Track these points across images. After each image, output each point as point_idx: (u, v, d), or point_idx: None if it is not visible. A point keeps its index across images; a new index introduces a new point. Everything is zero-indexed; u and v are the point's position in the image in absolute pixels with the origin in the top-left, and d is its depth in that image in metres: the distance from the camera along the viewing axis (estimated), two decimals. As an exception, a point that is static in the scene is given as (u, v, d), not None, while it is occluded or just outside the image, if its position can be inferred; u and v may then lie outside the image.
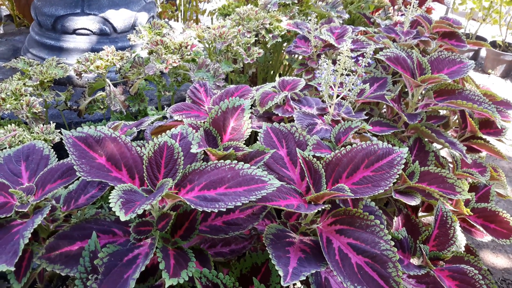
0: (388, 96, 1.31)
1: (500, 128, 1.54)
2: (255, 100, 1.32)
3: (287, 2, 1.68)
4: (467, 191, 1.44)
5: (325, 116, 1.20)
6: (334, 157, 1.04)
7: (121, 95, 1.45)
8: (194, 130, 1.05)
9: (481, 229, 1.33)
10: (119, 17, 1.96)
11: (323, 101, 1.27)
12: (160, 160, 0.93)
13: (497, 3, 4.08)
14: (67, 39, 1.95)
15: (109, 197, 0.81)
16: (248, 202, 0.83)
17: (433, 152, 1.36)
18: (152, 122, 1.37)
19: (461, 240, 1.32)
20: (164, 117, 1.35)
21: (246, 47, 1.57)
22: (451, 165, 1.48)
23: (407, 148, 1.04)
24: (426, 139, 1.39)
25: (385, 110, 1.56)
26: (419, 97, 1.39)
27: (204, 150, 1.07)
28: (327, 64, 1.16)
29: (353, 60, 1.13)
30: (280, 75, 2.14)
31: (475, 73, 4.26)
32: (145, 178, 0.91)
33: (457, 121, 1.67)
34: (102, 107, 1.54)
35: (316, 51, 1.47)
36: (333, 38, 1.45)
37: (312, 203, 0.99)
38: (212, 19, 2.71)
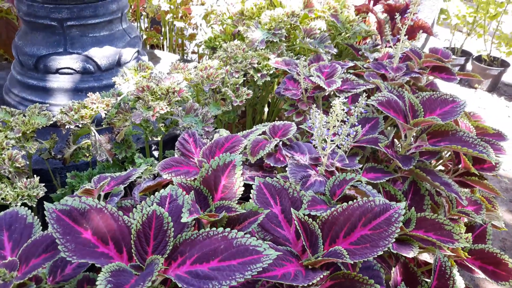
0: (381, 142, 1.29)
1: (494, 164, 1.52)
2: (246, 146, 1.29)
3: (275, 40, 1.65)
4: (464, 231, 1.42)
5: (318, 167, 1.17)
6: (331, 216, 1.00)
7: (107, 144, 1.41)
8: (185, 192, 1.01)
9: (480, 272, 1.31)
10: (103, 55, 1.92)
11: (315, 147, 1.24)
12: (149, 232, 0.89)
13: (481, 17, 4.11)
14: (50, 79, 1.90)
15: (97, 282, 0.76)
16: (243, 280, 0.79)
17: (428, 196, 1.33)
18: (140, 176, 1.33)
19: (460, 285, 1.29)
20: (156, 176, 1.31)
21: (234, 88, 1.54)
22: (446, 205, 1.46)
23: (404, 203, 1.01)
24: (420, 181, 1.36)
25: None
26: (413, 138, 1.37)
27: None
28: (318, 114, 1.14)
29: (345, 110, 1.11)
30: (269, 106, 2.11)
31: (462, 87, 4.28)
32: (133, 253, 0.86)
33: (449, 155, 1.65)
34: (87, 154, 1.49)
35: (306, 94, 1.45)
36: (323, 80, 1.42)
37: (310, 267, 0.95)
38: (198, 50, 2.68)
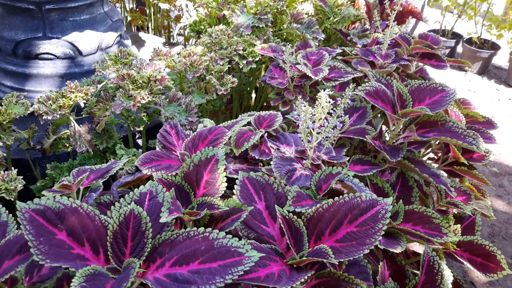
0: (369, 134, 1.25)
1: (483, 153, 1.49)
2: (230, 138, 1.25)
3: (260, 25, 1.60)
4: (453, 223, 1.40)
5: (304, 160, 1.14)
6: (316, 212, 0.97)
7: (87, 134, 1.36)
8: (165, 188, 0.97)
9: (468, 264, 1.29)
10: (84, 39, 1.86)
11: (302, 140, 1.20)
12: (126, 233, 0.85)
13: (472, -1, 4.07)
14: (30, 65, 1.83)
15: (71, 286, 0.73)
16: (223, 284, 0.76)
17: (416, 187, 1.31)
18: (122, 168, 1.29)
19: (448, 279, 1.28)
20: (137, 169, 1.27)
21: (219, 76, 1.49)
22: (435, 195, 1.43)
23: (392, 198, 0.98)
24: (408, 172, 1.34)
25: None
26: (401, 127, 1.34)
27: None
28: (304, 106, 1.10)
29: (332, 102, 1.07)
30: (257, 91, 2.07)
31: (452, 70, 4.24)
32: (109, 255, 0.83)
33: (438, 143, 1.63)
34: (67, 145, 1.44)
35: (292, 82, 1.40)
36: (310, 68, 1.38)
37: (294, 266, 0.93)
38: (184, 32, 2.61)
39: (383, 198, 0.98)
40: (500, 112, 3.59)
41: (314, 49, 1.60)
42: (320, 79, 1.39)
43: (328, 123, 1.08)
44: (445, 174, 1.39)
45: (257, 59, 1.56)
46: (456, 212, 1.44)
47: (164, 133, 1.20)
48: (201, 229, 0.85)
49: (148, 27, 2.88)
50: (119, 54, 1.56)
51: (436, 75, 4.00)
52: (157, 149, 1.18)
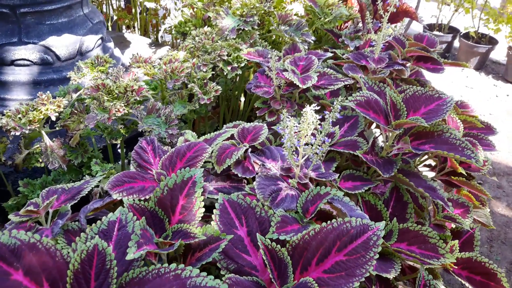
0: (360, 148, 1.17)
1: (482, 163, 1.41)
2: (212, 153, 1.16)
3: (246, 29, 1.50)
4: (450, 233, 1.33)
5: (290, 180, 1.05)
6: (302, 240, 0.89)
7: (59, 149, 1.27)
8: (136, 216, 0.89)
9: (467, 284, 1.21)
10: (62, 44, 1.76)
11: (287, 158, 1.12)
12: (89, 271, 0.77)
13: (469, -8, 3.97)
14: (5, 71, 1.74)
15: None
16: (195, 333, 0.68)
17: (411, 203, 1.23)
18: (98, 185, 1.20)
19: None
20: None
21: (202, 83, 1.41)
22: (431, 207, 1.36)
23: (384, 223, 0.90)
24: (403, 186, 1.26)
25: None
26: (395, 138, 1.25)
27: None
28: (289, 120, 1.01)
29: (319, 118, 0.98)
30: (245, 94, 1.98)
31: (449, 67, 4.15)
32: (71, 299, 0.75)
33: (435, 150, 1.54)
34: (41, 160, 1.36)
35: (279, 91, 1.32)
36: (298, 76, 1.29)
37: (277, 301, 0.85)
38: (172, 32, 2.51)
39: (374, 223, 0.91)
40: (498, 109, 3.51)
41: (303, 53, 1.51)
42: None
43: (315, 139, 1.00)
44: (442, 185, 1.31)
45: (242, 64, 1.47)
46: (454, 226, 1.37)
47: (139, 150, 1.11)
48: (173, 265, 0.77)
49: (134, 27, 2.78)
50: (96, 61, 1.47)
51: (426, 74, 3.91)
52: (131, 168, 1.10)
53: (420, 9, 4.32)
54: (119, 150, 1.69)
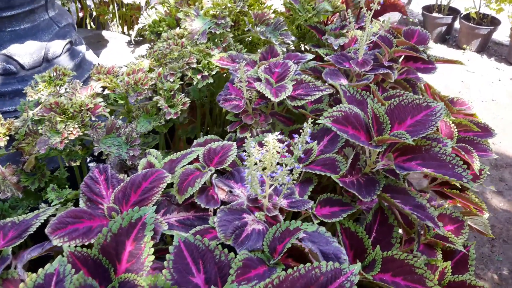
0: (339, 168, 1.05)
1: (477, 173, 1.29)
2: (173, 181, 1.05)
3: (217, 32, 1.37)
4: (441, 256, 1.21)
5: (256, 213, 0.94)
6: (265, 290, 0.78)
7: (12, 176, 1.17)
8: (74, 270, 0.78)
9: (461, 312, 1.11)
10: (26, 52, 1.64)
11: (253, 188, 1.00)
12: None
13: (470, -29, 3.78)
14: (-35, 83, 1.62)
15: None
16: None
17: (397, 226, 1.11)
18: (55, 214, 1.09)
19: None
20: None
21: (169, 95, 1.28)
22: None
23: (359, 265, 0.79)
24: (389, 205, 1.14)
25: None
26: (380, 153, 1.13)
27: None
28: (254, 146, 0.89)
29: (283, 147, 0.86)
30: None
31: (449, 48, 3.99)
32: None
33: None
34: (-5, 186, 1.25)
35: (251, 105, 1.19)
36: (270, 88, 1.17)
37: None
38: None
39: (348, 266, 0.79)
40: (501, 94, 3.36)
41: (281, 57, 1.38)
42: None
43: (280, 172, 0.88)
44: (434, 198, 1.19)
45: (214, 72, 1.34)
46: (447, 245, 1.25)
47: (90, 181, 1.00)
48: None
49: (114, 23, 2.64)
50: (54, 74, 1.35)
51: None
52: (80, 203, 0.98)
53: (418, -11, 4.14)
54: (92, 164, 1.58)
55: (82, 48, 1.92)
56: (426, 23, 4.11)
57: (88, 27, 2.65)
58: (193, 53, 1.34)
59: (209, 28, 1.38)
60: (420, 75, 1.56)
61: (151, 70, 1.35)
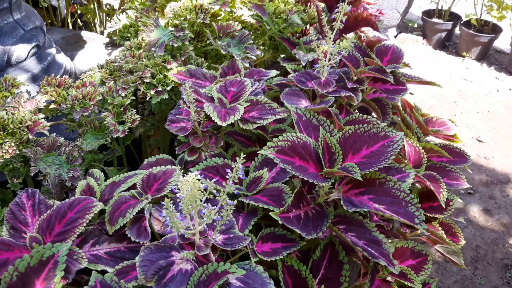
0: (284, 201, 0.98)
1: (443, 205, 1.21)
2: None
3: (175, 45, 1.30)
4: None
5: (184, 252, 0.87)
6: None
7: None
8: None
9: None
10: (-14, 56, 1.58)
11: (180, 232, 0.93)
12: None
13: (472, -24, 3.67)
14: None
15: None
16: None
17: (347, 264, 1.04)
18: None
19: None
20: None
21: (120, 111, 1.22)
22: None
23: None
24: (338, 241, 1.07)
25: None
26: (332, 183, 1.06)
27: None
28: (185, 183, 0.82)
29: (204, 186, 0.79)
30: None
31: (448, 56, 3.89)
32: None
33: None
34: None
35: (200, 127, 1.12)
36: (219, 110, 1.09)
37: None
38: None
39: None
40: (498, 105, 3.26)
41: (242, 72, 1.31)
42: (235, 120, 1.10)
43: (208, 207, 0.81)
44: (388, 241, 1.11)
45: (169, 87, 1.27)
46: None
47: (15, 207, 0.94)
48: None
49: (94, 23, 2.58)
50: (4, 84, 1.28)
51: (423, 65, 3.66)
52: (3, 231, 0.92)
53: (419, -7, 4.03)
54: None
55: (51, 51, 1.85)
56: (425, 28, 4.01)
57: (70, 26, 2.59)
58: (148, 67, 1.27)
59: (167, 40, 1.31)
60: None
61: (103, 82, 1.28)
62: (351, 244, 1.02)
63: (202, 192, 0.78)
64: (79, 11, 2.66)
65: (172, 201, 0.99)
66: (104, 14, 2.56)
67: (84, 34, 2.35)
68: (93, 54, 2.19)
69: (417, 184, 1.41)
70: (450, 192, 1.30)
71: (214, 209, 0.81)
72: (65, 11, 2.70)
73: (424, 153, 1.31)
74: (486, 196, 2.51)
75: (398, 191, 0.99)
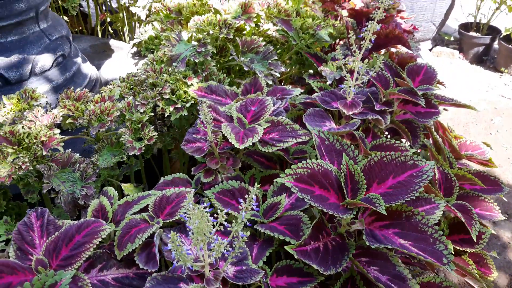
0: (301, 233, 0.92)
1: (474, 240, 1.12)
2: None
3: (197, 60, 1.26)
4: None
5: (192, 284, 0.82)
6: None
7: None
8: None
9: None
10: (11, 65, 1.58)
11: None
12: None
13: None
14: None
15: None
16: None
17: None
18: None
19: None
20: None
21: (137, 127, 1.19)
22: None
23: None
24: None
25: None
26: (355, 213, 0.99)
27: None
28: (199, 209, 0.77)
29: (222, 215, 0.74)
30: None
31: (485, 70, 3.74)
32: None
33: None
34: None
35: (217, 147, 1.07)
36: (236, 132, 1.04)
37: None
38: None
39: None
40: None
41: (265, 90, 1.26)
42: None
43: (218, 240, 0.76)
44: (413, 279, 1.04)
45: (189, 104, 1.23)
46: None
47: (23, 227, 0.91)
48: None
49: (123, 32, 2.58)
50: (24, 95, 1.27)
51: (459, 80, 3.53)
52: (10, 252, 0.90)
53: (456, 6, 3.90)
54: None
55: (77, 60, 1.85)
56: (462, 42, 3.87)
57: (100, 34, 2.60)
58: (168, 82, 1.23)
59: (189, 55, 1.28)
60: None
61: (123, 97, 1.25)
62: (373, 280, 0.95)
63: (212, 224, 0.73)
64: (109, 19, 2.67)
65: (181, 230, 0.95)
66: (134, 22, 2.56)
67: (112, 43, 2.35)
68: (120, 63, 2.19)
69: (448, 213, 1.32)
70: (482, 222, 1.22)
71: (224, 242, 0.76)
72: (101, 17, 2.72)
73: (456, 180, 1.23)
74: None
75: (426, 226, 0.92)
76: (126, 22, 2.46)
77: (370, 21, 1.13)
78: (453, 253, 1.05)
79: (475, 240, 1.12)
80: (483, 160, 1.50)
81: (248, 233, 0.85)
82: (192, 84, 1.26)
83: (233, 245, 0.81)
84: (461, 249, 1.16)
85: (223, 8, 1.35)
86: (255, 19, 1.34)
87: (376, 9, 1.13)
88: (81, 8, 2.94)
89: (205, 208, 0.72)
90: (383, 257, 1.00)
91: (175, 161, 1.76)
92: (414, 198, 0.93)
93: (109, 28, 2.75)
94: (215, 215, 0.80)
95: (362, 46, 1.11)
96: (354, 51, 1.14)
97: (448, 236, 1.18)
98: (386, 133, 1.43)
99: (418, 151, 1.44)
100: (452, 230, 1.19)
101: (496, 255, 1.22)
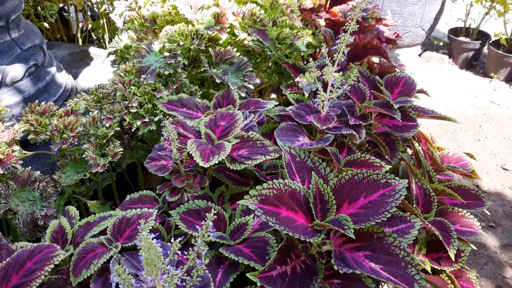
0: (267, 257, 0.88)
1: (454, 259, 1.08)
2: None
3: (166, 72, 1.21)
4: None
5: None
6: None
7: None
8: None
9: None
10: (-21, 76, 1.53)
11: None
12: None
13: (502, -6, 3.50)
14: None
15: None
16: None
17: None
18: None
19: None
20: None
21: (103, 142, 1.14)
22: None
23: None
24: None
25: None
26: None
27: None
28: (146, 241, 0.72)
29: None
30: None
31: (475, 76, 3.72)
32: None
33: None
34: None
35: (182, 165, 1.03)
36: (202, 149, 1.00)
37: None
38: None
39: None
40: (526, 133, 3.07)
41: (237, 103, 1.22)
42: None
43: (170, 271, 0.71)
44: None
45: (157, 118, 1.18)
46: None
47: (-29, 254, 0.86)
48: None
49: (104, 39, 2.53)
50: (-13, 109, 1.22)
51: (448, 85, 3.50)
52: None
53: (445, 11, 3.88)
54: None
55: (51, 69, 1.80)
56: (452, 46, 3.84)
57: (80, 41, 2.54)
58: (136, 95, 1.19)
59: (159, 66, 1.23)
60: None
61: (89, 111, 1.21)
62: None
63: (163, 256, 0.68)
64: (90, 26, 2.62)
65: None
66: (115, 29, 2.51)
67: (92, 50, 2.30)
68: (98, 72, 2.14)
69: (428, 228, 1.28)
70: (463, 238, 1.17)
71: (177, 274, 0.71)
72: (81, 24, 2.67)
73: (435, 196, 1.19)
74: (510, 230, 2.34)
75: (397, 249, 0.88)
76: (106, 29, 2.41)
77: (344, 33, 1.09)
78: (431, 272, 1.01)
79: (453, 259, 1.08)
80: (466, 172, 1.46)
81: (206, 262, 0.80)
82: (161, 97, 1.21)
83: (191, 274, 0.76)
84: (439, 268, 1.12)
85: (195, 18, 1.30)
86: (228, 30, 1.30)
87: (350, 20, 1.09)
88: (65, 14, 2.89)
89: (156, 238, 0.67)
90: (355, 279, 0.96)
91: (150, 175, 1.71)
92: (385, 219, 0.89)
93: (92, 34, 2.71)
94: (172, 240, 0.75)
95: (335, 59, 1.07)
96: (333, 62, 1.10)
97: (426, 254, 1.14)
98: (367, 145, 1.39)
99: (402, 163, 1.40)
100: (430, 248, 1.15)
101: (476, 273, 1.18)
